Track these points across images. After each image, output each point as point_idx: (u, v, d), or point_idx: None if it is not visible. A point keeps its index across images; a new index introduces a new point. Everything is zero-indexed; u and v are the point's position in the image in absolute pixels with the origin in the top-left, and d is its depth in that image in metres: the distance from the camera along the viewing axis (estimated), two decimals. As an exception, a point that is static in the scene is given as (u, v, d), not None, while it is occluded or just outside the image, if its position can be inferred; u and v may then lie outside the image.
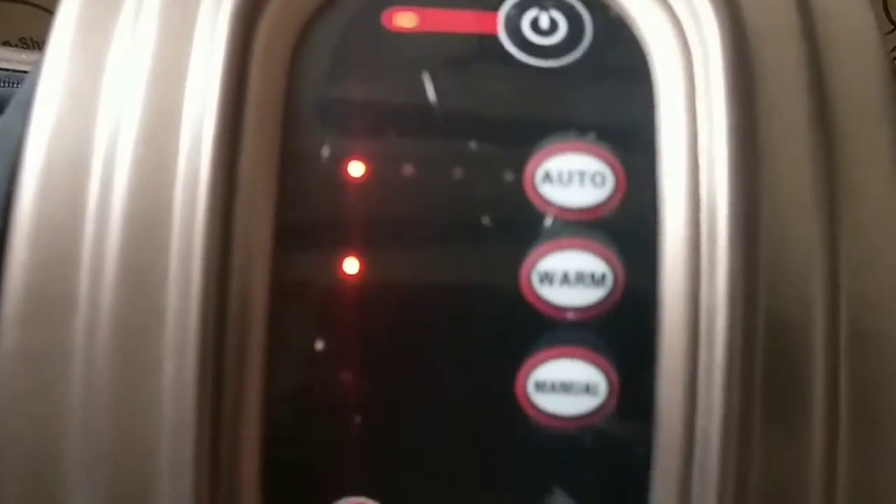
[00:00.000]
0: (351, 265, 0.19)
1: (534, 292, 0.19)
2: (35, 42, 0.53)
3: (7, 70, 0.38)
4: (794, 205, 0.19)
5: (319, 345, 0.18)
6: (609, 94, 0.19)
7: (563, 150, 0.19)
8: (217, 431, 0.17)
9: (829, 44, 0.20)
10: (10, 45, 0.45)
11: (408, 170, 0.19)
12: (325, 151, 0.19)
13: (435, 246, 0.19)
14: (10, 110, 0.23)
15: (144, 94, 0.19)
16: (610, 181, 0.19)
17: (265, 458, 0.18)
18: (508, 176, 0.19)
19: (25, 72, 0.38)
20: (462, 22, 0.20)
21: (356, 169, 0.19)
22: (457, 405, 0.19)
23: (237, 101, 0.18)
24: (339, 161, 0.19)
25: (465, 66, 0.20)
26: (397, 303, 0.19)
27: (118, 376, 0.18)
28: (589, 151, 0.19)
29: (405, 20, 0.20)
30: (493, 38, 0.20)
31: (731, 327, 0.18)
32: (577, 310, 0.19)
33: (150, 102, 0.19)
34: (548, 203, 0.19)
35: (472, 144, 0.19)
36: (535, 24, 0.20)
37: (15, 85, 0.37)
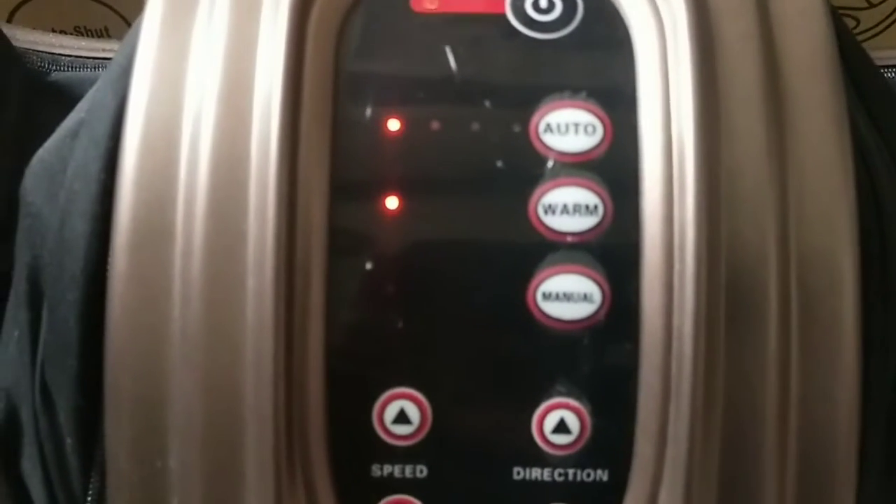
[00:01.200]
0: (392, 202, 0.23)
1: (540, 221, 0.23)
2: (88, 30, 0.57)
3: (70, 56, 0.41)
4: (749, 144, 0.23)
5: (369, 265, 0.23)
6: (597, 60, 0.24)
7: (560, 107, 0.23)
8: (290, 331, 0.22)
9: (780, 14, 0.25)
10: (66, 34, 0.48)
11: (435, 125, 0.23)
12: (368, 112, 0.23)
13: (459, 185, 0.23)
14: (101, 87, 0.28)
15: (223, 67, 0.23)
16: (599, 130, 0.23)
17: (328, 354, 0.23)
18: (516, 128, 0.23)
19: (86, 57, 0.41)
20: (476, 4, 0.24)
21: (393, 125, 0.23)
22: (480, 312, 0.23)
23: (297, 73, 0.23)
24: (380, 119, 0.23)
25: (479, 40, 0.24)
26: (430, 231, 0.23)
27: (209, 291, 0.22)
28: (581, 107, 0.23)
29: (429, 3, 0.24)
30: (502, 17, 0.24)
31: (699, 241, 0.22)
32: (574, 234, 0.23)
33: (227, 73, 0.23)
34: (549, 149, 0.23)
35: (487, 103, 0.24)
36: (535, 4, 0.24)
37: (78, 69, 0.40)
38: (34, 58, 0.38)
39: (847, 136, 0.24)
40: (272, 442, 0.22)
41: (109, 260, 0.24)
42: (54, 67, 0.38)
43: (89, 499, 0.26)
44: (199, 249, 0.22)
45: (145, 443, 0.23)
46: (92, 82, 0.36)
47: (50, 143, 0.28)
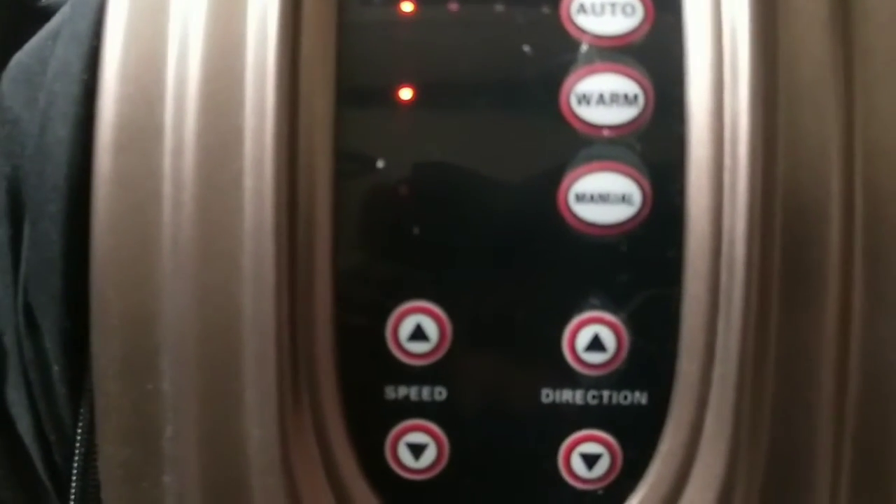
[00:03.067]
0: (405, 92, 0.21)
1: (572, 112, 0.20)
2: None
3: None
4: (811, 23, 0.20)
5: (380, 163, 0.20)
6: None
7: (595, -15, 0.21)
8: (294, 237, 0.20)
9: None
10: None
11: (453, 5, 0.21)
12: (378, -10, 0.21)
13: (480, 73, 0.21)
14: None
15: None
16: (639, 10, 0.21)
17: (335, 264, 0.20)
18: (546, 8, 0.21)
19: None
20: None
21: (406, 6, 0.21)
22: (505, 216, 0.21)
23: None
24: (391, 1, 0.21)
25: None
26: (448, 125, 0.21)
27: (203, 193, 0.20)
28: (620, -14, 0.21)
29: None
30: None
31: (753, 134, 0.19)
32: (612, 127, 0.20)
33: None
34: (583, 31, 0.21)
35: (512, -19, 0.21)
36: None
37: None
38: None
39: None
40: (275, 361, 0.20)
41: (93, 164, 0.22)
42: None
43: (79, 429, 0.24)
44: (190, 147, 0.20)
45: (134, 363, 0.21)
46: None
47: (29, 45, 0.26)
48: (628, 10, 0.21)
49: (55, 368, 0.24)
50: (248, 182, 0.20)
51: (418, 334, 0.21)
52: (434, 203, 0.20)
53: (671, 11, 0.21)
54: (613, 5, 0.21)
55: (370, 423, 0.21)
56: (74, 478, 0.24)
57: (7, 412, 0.25)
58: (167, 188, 0.20)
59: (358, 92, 0.21)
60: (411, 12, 0.21)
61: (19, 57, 0.26)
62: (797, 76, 0.20)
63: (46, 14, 0.35)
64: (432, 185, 0.20)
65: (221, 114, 0.20)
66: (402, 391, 0.21)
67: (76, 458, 0.24)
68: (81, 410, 0.24)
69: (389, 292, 0.21)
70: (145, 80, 0.21)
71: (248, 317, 0.20)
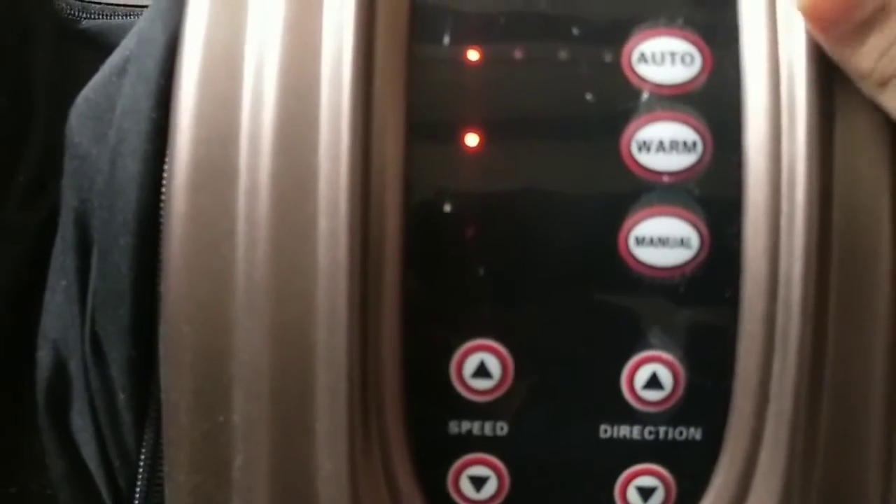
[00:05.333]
0: (472, 139, 0.21)
1: (633, 158, 0.21)
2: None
3: (100, 3, 0.40)
4: (867, 111, 0.21)
5: (448, 207, 0.21)
6: (696, -18, 0.22)
7: (655, 34, 0.21)
8: (365, 277, 0.20)
9: None
10: None
11: (518, 54, 0.22)
12: (446, 40, 0.22)
13: (544, 120, 0.22)
14: (149, 19, 0.26)
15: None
16: (698, 60, 0.21)
17: (405, 303, 0.21)
18: (608, 57, 0.21)
19: (116, 5, 0.39)
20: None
21: (473, 55, 0.22)
22: (567, 258, 0.21)
23: None
24: (459, 49, 0.21)
25: None
26: (513, 170, 0.21)
27: (277, 233, 0.21)
28: (678, 35, 0.21)
29: (511, -75, 0.22)
30: (590, -63, 0.22)
31: (810, 179, 0.20)
32: (671, 173, 0.21)
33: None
34: (643, 80, 0.21)
35: (575, 30, 0.22)
36: (627, -74, 0.22)
37: (108, 17, 0.39)
38: (64, 5, 0.37)
39: None
40: (346, 395, 0.20)
41: (165, 201, 0.23)
42: (84, 15, 0.37)
43: (143, 455, 0.25)
44: (265, 188, 0.21)
45: (207, 396, 0.21)
46: (124, 30, 0.35)
47: (95, 82, 0.27)
48: (687, 59, 0.21)
49: (121, 396, 0.24)
50: (323, 223, 0.20)
51: (482, 371, 0.21)
52: (499, 245, 0.21)
53: (729, 60, 0.21)
54: (673, 55, 0.21)
55: (434, 456, 0.22)
56: (137, 501, 0.25)
57: (72, 437, 0.26)
58: (241, 227, 0.21)
59: (427, 135, 0.21)
60: (478, 59, 0.21)
61: (87, 94, 0.27)
62: (854, 122, 0.21)
63: (86, 36, 0.36)
64: (497, 227, 0.21)
65: (295, 156, 0.21)
66: (466, 426, 0.22)
67: (139, 481, 0.25)
68: (145, 436, 0.25)
69: (455, 330, 0.21)
70: (220, 122, 0.21)
71: (321, 353, 0.20)
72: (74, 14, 0.37)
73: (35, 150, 0.29)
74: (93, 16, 0.38)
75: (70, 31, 0.35)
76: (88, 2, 0.39)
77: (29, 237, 0.28)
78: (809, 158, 0.20)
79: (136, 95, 0.24)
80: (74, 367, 0.25)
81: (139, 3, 0.38)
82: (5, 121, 0.29)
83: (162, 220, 0.23)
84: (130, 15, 0.38)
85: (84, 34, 0.35)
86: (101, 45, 0.34)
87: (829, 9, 0.20)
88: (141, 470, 0.25)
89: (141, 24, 0.27)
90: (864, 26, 0.20)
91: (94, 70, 0.31)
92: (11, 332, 0.27)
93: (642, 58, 0.21)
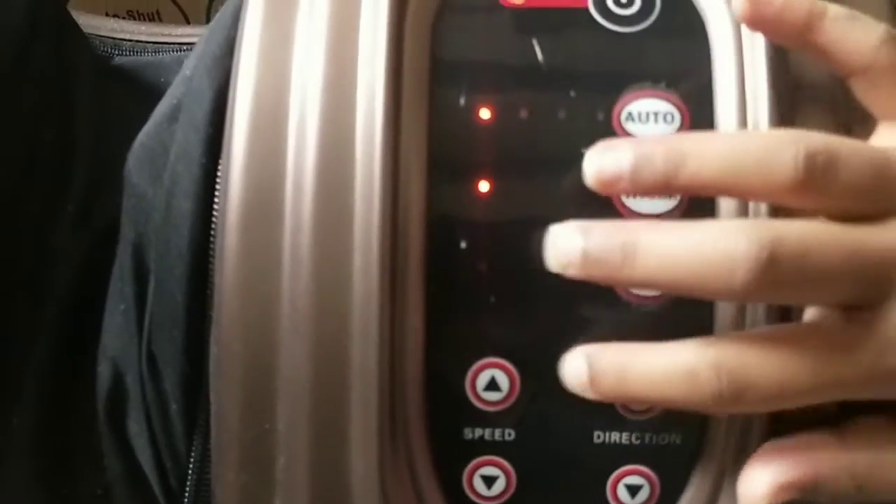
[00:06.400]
0: (484, 185, 0.25)
1: (623, 205, 0.25)
2: (140, 14, 0.59)
3: (131, 41, 0.43)
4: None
5: (463, 244, 0.25)
6: (674, 51, 0.26)
7: (641, 96, 0.25)
8: (393, 304, 0.24)
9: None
10: (120, 18, 0.49)
11: (524, 113, 0.25)
12: (462, 100, 0.25)
13: (546, 170, 0.25)
14: (197, 75, 0.30)
15: (326, 58, 0.25)
16: (677, 118, 0.25)
17: (426, 327, 0.24)
18: (600, 116, 0.25)
19: (146, 42, 0.42)
20: (560, -1, 0.26)
21: (485, 113, 0.25)
22: (567, 289, 0.24)
23: (397, 63, 0.25)
24: (473, 108, 0.25)
25: (563, 32, 0.26)
26: (519, 213, 0.25)
27: (317, 266, 0.24)
28: (661, 97, 0.25)
29: (517, -1, 0.26)
30: (585, 11, 0.26)
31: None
32: (653, 216, 0.25)
33: (331, 63, 0.25)
34: (631, 136, 0.25)
35: (572, 93, 0.25)
36: (616, -1, 0.26)
37: (139, 54, 0.41)
38: (97, 42, 0.39)
39: None
40: (376, 406, 0.24)
41: (216, 237, 0.26)
42: (116, 52, 0.40)
43: (192, 458, 0.28)
44: (307, 228, 0.24)
45: (255, 405, 0.25)
46: (154, 67, 0.38)
47: (149, 129, 0.30)
48: (668, 117, 0.25)
49: (173, 407, 0.28)
50: (357, 257, 0.24)
51: (492, 385, 0.25)
52: (508, 278, 0.25)
53: (704, 118, 0.25)
54: (657, 114, 0.25)
55: (451, 458, 0.25)
56: (187, 498, 0.28)
57: (129, 442, 0.29)
58: (286, 260, 0.24)
59: (446, 183, 0.25)
60: (489, 118, 0.25)
61: (142, 139, 0.30)
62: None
63: (120, 72, 0.39)
64: (506, 263, 0.25)
65: (334, 199, 0.24)
66: (478, 432, 0.25)
67: (188, 482, 0.28)
68: (194, 442, 0.28)
69: (470, 349, 0.25)
70: (267, 170, 0.25)
71: (355, 369, 0.24)
72: (107, 51, 0.40)
73: (80, 181, 0.33)
74: (124, 52, 0.41)
75: (104, 67, 0.38)
76: (120, 39, 0.42)
77: (77, 261, 0.31)
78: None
79: (187, 143, 0.28)
80: (131, 381, 0.29)
81: (166, 42, 0.42)
82: (53, 155, 0.32)
83: (212, 252, 0.27)
84: (159, 51, 0.41)
85: (117, 70, 0.38)
86: (133, 82, 0.37)
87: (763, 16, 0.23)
88: (190, 471, 0.28)
89: (187, 77, 0.30)
90: None
91: (128, 105, 0.34)
92: (65, 344, 0.31)
93: (630, 116, 0.25)
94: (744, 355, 0.21)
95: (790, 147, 0.21)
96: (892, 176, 0.22)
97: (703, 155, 0.21)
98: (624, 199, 0.25)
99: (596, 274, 0.21)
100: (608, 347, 0.22)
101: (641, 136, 0.25)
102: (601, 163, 0.22)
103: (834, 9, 0.23)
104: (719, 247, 0.20)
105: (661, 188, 0.21)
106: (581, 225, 0.22)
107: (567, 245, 0.21)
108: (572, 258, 0.21)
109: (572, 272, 0.21)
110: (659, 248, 0.21)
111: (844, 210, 0.22)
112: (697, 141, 0.22)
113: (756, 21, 0.23)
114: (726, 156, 0.21)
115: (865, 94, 0.24)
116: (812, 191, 0.21)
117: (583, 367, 0.22)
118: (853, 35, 0.23)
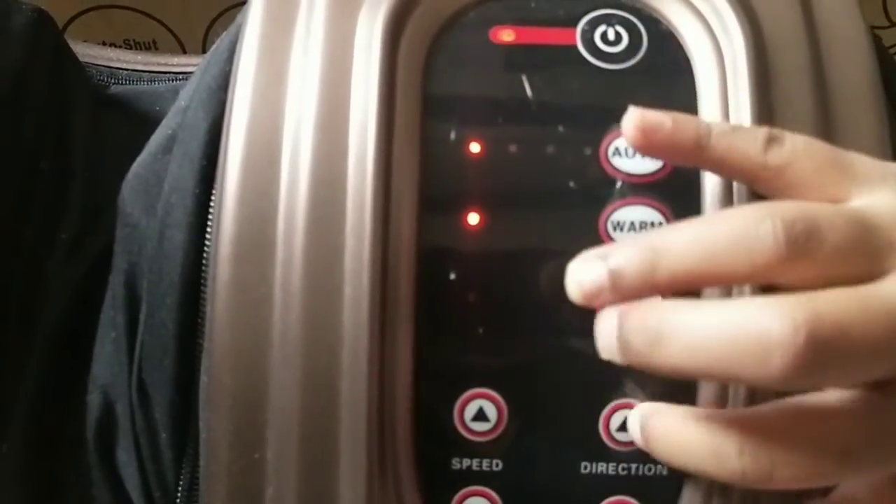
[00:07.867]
0: (474, 218, 0.25)
1: (609, 237, 0.25)
2: (137, 43, 0.59)
3: (127, 70, 0.43)
4: None
5: (452, 275, 0.25)
6: (661, 89, 0.26)
7: (627, 132, 0.26)
8: (383, 336, 0.24)
9: (828, 46, 0.27)
10: (116, 47, 0.50)
11: (513, 148, 0.26)
12: (452, 135, 0.26)
13: (535, 203, 0.25)
14: (192, 107, 0.30)
15: (319, 94, 0.25)
16: (663, 154, 0.25)
17: (415, 357, 0.25)
18: (587, 151, 0.26)
19: (142, 71, 0.42)
20: (549, 36, 0.26)
21: (475, 147, 0.26)
22: (553, 322, 0.25)
23: (389, 99, 0.25)
24: (463, 142, 0.26)
25: (552, 69, 0.26)
26: (508, 245, 0.25)
27: (308, 298, 0.24)
28: (647, 132, 0.26)
29: (506, 36, 0.26)
30: (573, 48, 0.26)
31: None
32: (640, 249, 0.25)
33: (324, 99, 0.25)
34: (617, 171, 0.25)
35: (560, 128, 0.26)
36: (604, 37, 0.26)
37: (135, 83, 0.42)
38: (93, 71, 0.40)
39: (890, 159, 0.26)
40: (365, 435, 0.24)
41: (208, 268, 0.26)
42: (112, 81, 0.40)
43: (181, 487, 0.28)
44: (298, 260, 0.25)
45: (244, 435, 0.25)
46: (149, 96, 0.38)
47: (144, 159, 0.30)
48: (654, 153, 0.25)
49: (163, 436, 0.28)
50: (348, 290, 0.24)
51: (480, 415, 0.25)
52: (495, 310, 0.25)
53: (689, 155, 0.25)
54: (642, 149, 0.25)
55: (439, 488, 0.25)
56: (175, 529, 0.28)
57: (117, 471, 0.29)
58: (277, 293, 0.25)
59: (436, 216, 0.25)
60: (479, 152, 0.25)
61: (136, 170, 0.30)
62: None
63: (116, 101, 0.39)
64: (493, 294, 0.25)
65: (325, 233, 0.25)
66: (466, 462, 0.25)
67: (177, 512, 0.28)
68: (183, 471, 0.28)
69: (458, 380, 0.25)
70: (260, 203, 0.25)
71: (344, 400, 0.24)
72: (103, 79, 0.40)
73: (75, 209, 0.33)
74: (121, 81, 0.41)
75: (101, 96, 0.38)
76: (116, 68, 0.43)
77: (71, 289, 0.31)
78: None
79: (181, 174, 0.28)
80: (121, 410, 0.29)
81: (162, 71, 0.42)
82: (48, 183, 0.32)
83: (203, 283, 0.27)
84: (155, 81, 0.41)
85: (113, 99, 0.39)
86: (129, 110, 0.37)
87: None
88: (178, 501, 0.28)
89: (182, 108, 0.31)
90: None
91: (124, 134, 0.35)
92: (56, 372, 0.31)
93: (616, 151, 0.25)
94: (770, 442, 0.21)
95: (765, 221, 0.20)
96: (875, 226, 0.21)
97: (674, 249, 0.21)
98: (611, 232, 0.25)
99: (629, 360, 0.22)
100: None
101: (620, 240, 0.25)
102: (580, 279, 0.22)
103: (716, 124, 0.23)
104: (751, 330, 0.19)
105: (645, 291, 0.21)
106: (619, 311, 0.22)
107: (603, 329, 0.22)
108: (609, 346, 0.22)
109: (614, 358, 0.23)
110: (686, 334, 0.20)
111: (843, 275, 0.20)
112: (668, 234, 0.21)
113: (649, 147, 0.23)
114: (699, 244, 0.20)
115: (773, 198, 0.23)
116: (800, 261, 0.20)
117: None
118: (739, 145, 0.23)
